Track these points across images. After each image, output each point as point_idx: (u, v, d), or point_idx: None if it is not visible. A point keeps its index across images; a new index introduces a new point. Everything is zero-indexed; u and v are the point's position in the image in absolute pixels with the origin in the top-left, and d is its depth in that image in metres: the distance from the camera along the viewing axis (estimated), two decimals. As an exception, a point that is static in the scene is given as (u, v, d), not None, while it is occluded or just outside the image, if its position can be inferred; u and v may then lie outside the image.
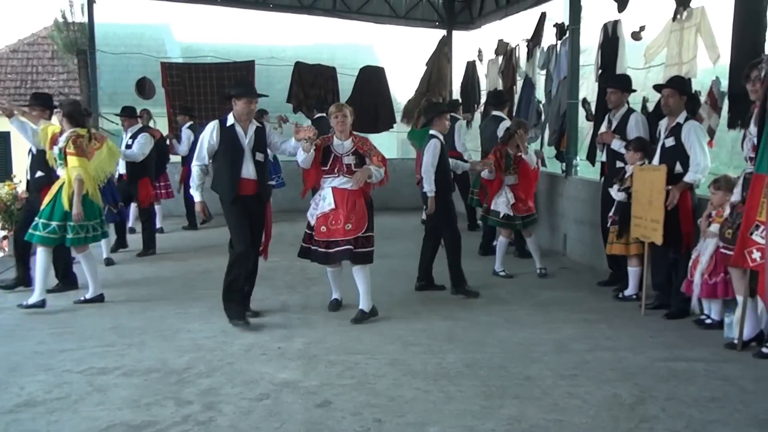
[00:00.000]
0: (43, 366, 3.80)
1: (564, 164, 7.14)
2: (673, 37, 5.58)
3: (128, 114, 7.13)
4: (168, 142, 8.19)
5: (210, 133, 4.50)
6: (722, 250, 4.11)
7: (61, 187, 4.88)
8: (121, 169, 6.95)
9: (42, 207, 4.88)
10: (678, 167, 4.64)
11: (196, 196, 4.59)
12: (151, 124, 7.95)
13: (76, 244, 4.94)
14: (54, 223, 4.81)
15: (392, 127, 10.76)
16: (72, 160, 4.83)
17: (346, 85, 10.55)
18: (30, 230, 4.87)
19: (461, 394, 3.37)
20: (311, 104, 10.11)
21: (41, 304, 4.83)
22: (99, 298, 5.10)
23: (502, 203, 5.97)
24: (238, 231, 4.47)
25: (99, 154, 5.36)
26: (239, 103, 4.48)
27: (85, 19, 9.85)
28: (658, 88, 4.94)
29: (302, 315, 4.84)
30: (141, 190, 7.02)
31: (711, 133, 5.07)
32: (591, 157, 6.62)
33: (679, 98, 4.73)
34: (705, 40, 5.24)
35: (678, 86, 4.77)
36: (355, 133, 4.79)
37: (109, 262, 6.50)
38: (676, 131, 4.69)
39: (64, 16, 11.01)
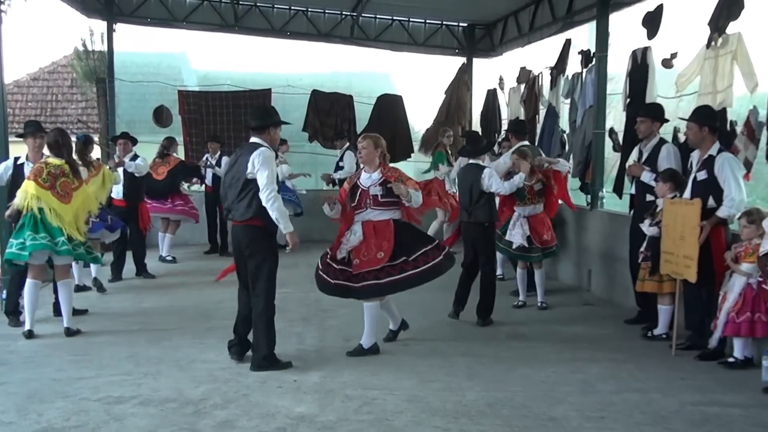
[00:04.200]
0: (61, 393, 3.92)
1: (589, 196, 7.19)
2: (707, 65, 5.58)
3: (129, 138, 7.38)
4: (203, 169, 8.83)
5: (273, 159, 4.37)
6: (764, 285, 4.14)
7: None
8: (114, 194, 7.12)
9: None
10: (711, 201, 4.65)
11: (291, 227, 4.37)
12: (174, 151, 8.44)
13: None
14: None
15: (410, 157, 10.92)
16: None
17: (363, 114, 10.75)
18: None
19: (483, 433, 3.39)
20: (327, 133, 10.40)
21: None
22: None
23: (517, 234, 6.05)
24: (275, 273, 4.44)
25: (95, 180, 5.57)
26: (277, 131, 4.53)
27: (105, 48, 10.34)
28: (691, 118, 4.91)
29: (318, 348, 4.90)
30: (141, 214, 7.30)
31: (748, 165, 5.06)
32: (618, 190, 6.67)
33: (698, 130, 4.75)
34: (742, 68, 5.24)
35: (697, 120, 4.76)
36: (388, 164, 4.82)
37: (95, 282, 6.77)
38: (708, 164, 4.70)
39: (84, 45, 11.57)
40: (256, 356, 4.40)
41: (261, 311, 4.36)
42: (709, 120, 4.82)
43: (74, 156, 5.36)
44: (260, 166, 4.25)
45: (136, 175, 7.19)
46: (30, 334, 5.06)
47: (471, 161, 5.74)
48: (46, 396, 3.89)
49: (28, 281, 5.11)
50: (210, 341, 5.02)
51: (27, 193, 4.95)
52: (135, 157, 7.28)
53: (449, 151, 8.96)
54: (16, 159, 5.64)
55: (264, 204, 4.26)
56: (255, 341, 4.43)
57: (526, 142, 6.97)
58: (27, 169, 5.37)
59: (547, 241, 6.12)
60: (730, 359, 4.44)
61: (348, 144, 9.38)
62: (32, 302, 5.10)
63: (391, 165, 4.92)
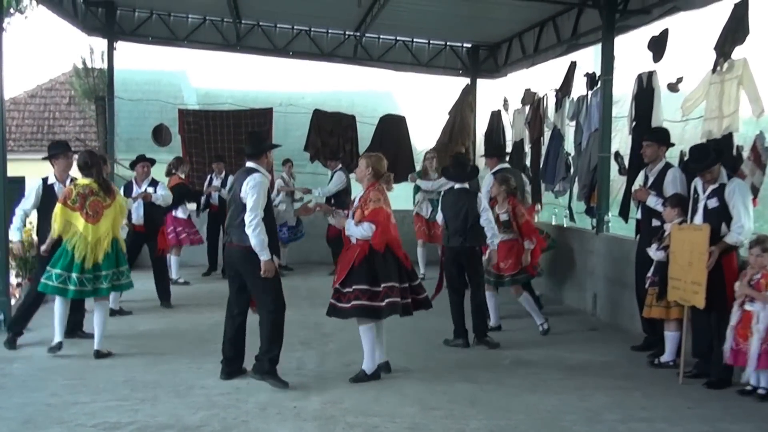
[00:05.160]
0: (56, 419, 3.95)
1: (594, 220, 7.25)
2: (712, 90, 5.70)
3: (148, 160, 7.44)
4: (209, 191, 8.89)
5: (266, 185, 4.63)
6: None
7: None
8: (134, 220, 7.15)
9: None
10: (723, 228, 4.71)
11: (267, 255, 4.53)
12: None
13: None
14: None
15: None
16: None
17: (365, 134, 10.88)
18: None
19: (486, 462, 3.44)
20: (329, 153, 10.52)
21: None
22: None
23: (485, 259, 6.20)
24: (279, 286, 4.68)
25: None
26: (271, 154, 4.84)
27: (105, 66, 10.54)
28: (689, 168, 5.02)
29: (318, 373, 4.94)
30: (159, 239, 7.32)
31: (754, 190, 5.14)
32: (624, 214, 6.75)
33: (716, 168, 4.78)
34: (748, 93, 5.35)
35: (710, 161, 4.76)
36: (385, 185, 4.88)
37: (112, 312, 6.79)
38: (718, 192, 4.78)
39: (84, 63, 11.78)
40: (259, 365, 4.63)
41: (272, 323, 4.61)
42: (717, 155, 4.86)
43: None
44: (250, 191, 4.51)
45: (162, 205, 7.27)
46: (60, 346, 5.27)
47: (458, 186, 5.86)
48: (41, 422, 3.92)
49: (59, 298, 5.27)
50: (208, 366, 5.05)
51: (58, 217, 5.15)
52: (154, 182, 7.30)
53: (430, 175, 8.81)
54: (45, 180, 5.81)
55: (246, 227, 4.47)
56: (262, 350, 4.65)
57: (507, 165, 7.09)
58: (57, 189, 5.61)
59: (504, 269, 6.14)
60: (760, 391, 4.41)
61: (340, 165, 9.44)
62: (62, 317, 5.29)
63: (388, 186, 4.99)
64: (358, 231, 4.70)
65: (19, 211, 5.63)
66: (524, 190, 6.96)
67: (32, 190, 5.68)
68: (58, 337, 5.30)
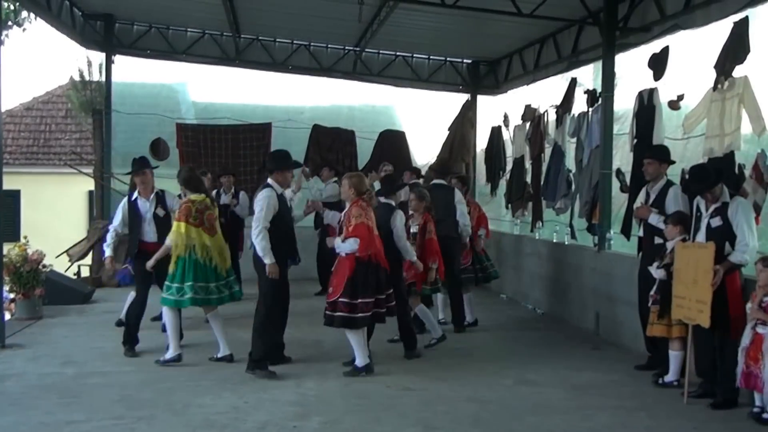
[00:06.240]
0: (51, 438, 3.93)
1: (596, 237, 7.26)
2: (713, 108, 5.74)
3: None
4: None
5: (272, 198, 5.22)
6: None
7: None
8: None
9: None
10: (727, 247, 4.73)
11: (271, 260, 5.14)
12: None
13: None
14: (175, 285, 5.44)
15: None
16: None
17: (365, 149, 10.92)
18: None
19: (490, 484, 3.43)
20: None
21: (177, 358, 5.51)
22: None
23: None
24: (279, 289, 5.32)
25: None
26: (290, 171, 5.52)
27: (102, 79, 10.60)
28: (691, 188, 5.06)
29: (318, 391, 4.91)
30: None
31: (757, 209, 5.16)
32: (626, 231, 6.77)
33: (718, 187, 4.80)
34: (749, 111, 5.39)
35: (711, 181, 4.79)
36: (369, 200, 5.38)
37: (119, 323, 6.75)
38: (721, 211, 4.80)
39: (81, 75, 11.84)
40: (251, 360, 5.19)
41: (262, 320, 5.25)
42: (717, 176, 4.88)
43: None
44: (257, 204, 5.21)
45: None
46: (179, 358, 5.50)
47: (383, 200, 5.97)
48: (35, 440, 3.89)
49: (168, 311, 5.50)
50: (206, 383, 5.03)
51: (180, 235, 5.33)
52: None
53: None
54: (130, 196, 6.01)
55: (251, 235, 5.13)
56: (253, 347, 5.22)
57: (442, 181, 7.21)
58: (140, 204, 5.88)
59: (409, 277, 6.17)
60: (765, 415, 4.37)
61: (335, 179, 9.36)
62: (175, 328, 5.52)
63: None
64: (345, 247, 5.17)
65: (111, 230, 6.01)
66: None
67: (120, 209, 6.01)
68: (177, 350, 5.49)
